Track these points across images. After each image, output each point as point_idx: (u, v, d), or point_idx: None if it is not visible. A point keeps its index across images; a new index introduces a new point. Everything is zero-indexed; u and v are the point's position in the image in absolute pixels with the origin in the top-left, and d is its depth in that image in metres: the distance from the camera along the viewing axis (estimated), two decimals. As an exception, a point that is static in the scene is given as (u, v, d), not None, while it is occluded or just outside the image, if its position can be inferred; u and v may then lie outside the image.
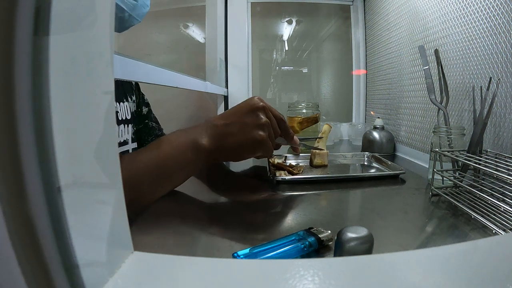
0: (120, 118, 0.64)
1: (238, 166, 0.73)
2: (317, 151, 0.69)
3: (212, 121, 0.48)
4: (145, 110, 0.80)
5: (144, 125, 0.79)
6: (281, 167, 0.62)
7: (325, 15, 1.32)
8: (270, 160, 0.66)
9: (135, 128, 0.73)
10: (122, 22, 0.52)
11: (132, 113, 0.71)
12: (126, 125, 0.67)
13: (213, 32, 1.06)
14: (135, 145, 0.71)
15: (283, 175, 0.58)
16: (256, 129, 0.47)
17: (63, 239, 0.15)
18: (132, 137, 0.69)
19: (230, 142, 0.46)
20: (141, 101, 0.79)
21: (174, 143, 0.45)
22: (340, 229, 0.28)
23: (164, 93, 1.20)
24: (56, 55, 0.14)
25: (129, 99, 0.71)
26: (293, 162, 0.71)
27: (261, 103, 0.48)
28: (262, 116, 0.47)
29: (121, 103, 0.66)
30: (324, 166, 0.69)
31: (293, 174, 0.60)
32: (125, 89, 0.71)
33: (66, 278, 0.15)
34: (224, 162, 0.75)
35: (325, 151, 0.69)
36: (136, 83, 0.78)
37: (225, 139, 0.46)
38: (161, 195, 0.46)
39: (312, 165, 0.69)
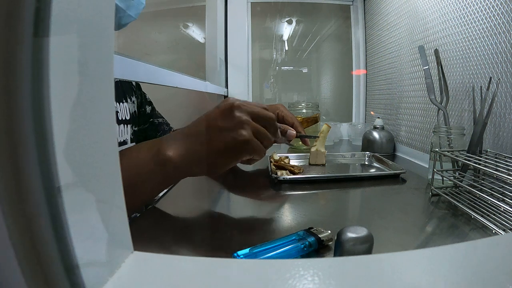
0: (119, 118, 0.65)
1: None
2: (314, 150, 0.69)
3: (180, 131, 0.42)
4: (148, 108, 0.80)
5: (149, 124, 0.79)
6: (282, 166, 0.63)
7: (325, 15, 1.32)
8: (271, 158, 0.66)
9: (134, 129, 0.73)
10: (118, 20, 0.52)
11: (131, 114, 0.71)
12: (125, 125, 0.67)
13: (213, 32, 1.06)
14: (133, 145, 0.71)
15: (285, 175, 0.58)
16: (235, 129, 0.39)
17: (63, 239, 0.15)
18: (131, 137, 0.70)
19: (205, 152, 0.40)
20: (144, 101, 0.79)
21: (135, 154, 0.41)
22: (340, 229, 0.28)
23: (164, 93, 1.20)
24: (56, 56, 0.14)
25: (129, 100, 0.71)
26: (294, 162, 0.71)
27: (236, 102, 0.41)
28: (238, 114, 0.40)
29: (121, 104, 0.67)
30: (322, 165, 0.69)
31: (294, 173, 0.61)
32: (124, 90, 0.71)
33: (66, 278, 0.15)
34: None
35: (323, 150, 0.70)
36: (137, 83, 0.78)
37: (198, 150, 0.40)
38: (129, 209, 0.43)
39: (310, 164, 0.70)
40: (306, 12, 1.31)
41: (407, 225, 0.39)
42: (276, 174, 0.58)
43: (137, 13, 0.55)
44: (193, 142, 0.40)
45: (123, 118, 0.66)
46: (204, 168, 0.41)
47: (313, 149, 0.70)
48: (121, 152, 0.40)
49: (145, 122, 0.78)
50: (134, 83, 0.77)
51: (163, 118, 0.84)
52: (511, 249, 0.21)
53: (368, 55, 1.20)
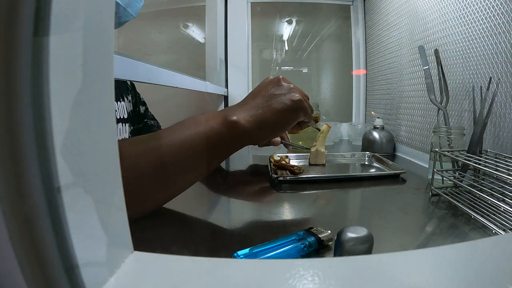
0: (118, 117, 0.65)
1: (239, 165, 0.73)
2: (314, 150, 0.69)
3: (235, 105, 0.45)
4: (142, 109, 0.80)
5: (143, 124, 0.80)
6: (283, 166, 0.62)
7: (325, 15, 1.32)
8: (271, 159, 0.66)
9: (132, 127, 0.74)
10: (117, 18, 0.52)
11: (128, 113, 0.72)
12: (123, 124, 0.67)
13: (213, 32, 1.06)
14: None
15: (285, 175, 0.58)
16: (289, 92, 0.45)
17: (63, 239, 0.15)
18: (129, 136, 0.70)
19: (267, 114, 0.43)
20: (138, 101, 0.79)
21: (202, 122, 0.41)
22: (340, 229, 0.28)
23: (164, 94, 1.20)
24: (56, 55, 0.14)
25: (125, 98, 0.72)
26: (294, 162, 0.72)
27: (281, 76, 0.47)
28: (287, 84, 0.46)
29: (118, 103, 0.67)
30: (322, 165, 0.69)
31: (295, 173, 0.61)
32: (121, 89, 0.71)
33: (66, 278, 0.15)
34: (227, 159, 0.75)
35: (323, 150, 0.70)
36: (132, 83, 0.79)
37: (260, 114, 0.43)
38: (195, 177, 0.43)
39: (310, 164, 0.70)
40: (306, 12, 1.31)
41: (407, 225, 0.39)
42: (276, 174, 0.58)
43: (136, 11, 0.55)
44: (254, 108, 0.44)
45: (121, 117, 0.67)
46: (267, 130, 0.45)
47: (313, 149, 0.70)
48: (179, 124, 0.42)
49: (140, 122, 0.79)
50: (129, 83, 0.77)
51: (156, 120, 0.85)
52: (511, 249, 0.21)
53: (368, 55, 1.20)
